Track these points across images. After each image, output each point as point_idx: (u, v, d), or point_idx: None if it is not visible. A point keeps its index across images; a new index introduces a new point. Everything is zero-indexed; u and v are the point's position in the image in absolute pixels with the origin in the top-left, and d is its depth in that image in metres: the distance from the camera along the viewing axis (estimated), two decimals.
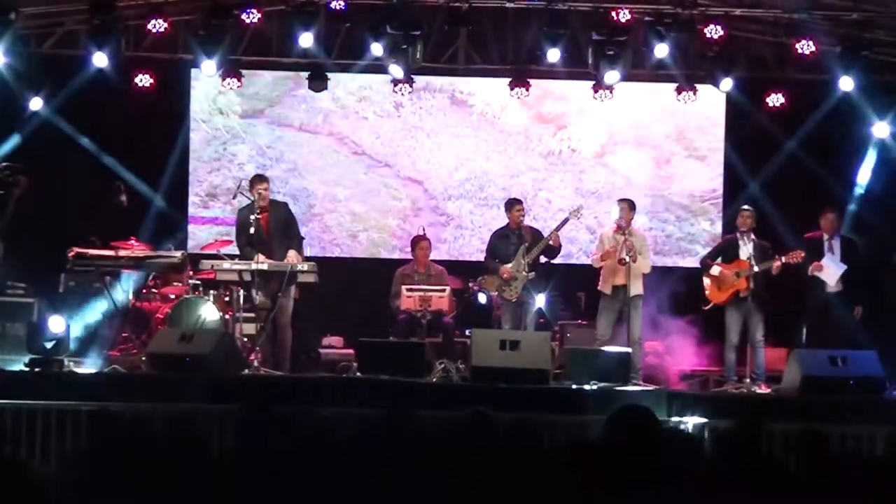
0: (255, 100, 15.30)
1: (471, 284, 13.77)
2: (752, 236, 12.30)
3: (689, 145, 15.36)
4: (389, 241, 15.21)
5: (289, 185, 15.08)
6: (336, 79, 14.89)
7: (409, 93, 14.72)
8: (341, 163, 15.34)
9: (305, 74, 14.68)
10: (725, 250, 12.53)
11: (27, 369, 11.19)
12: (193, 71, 14.81)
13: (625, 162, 15.33)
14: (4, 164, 11.28)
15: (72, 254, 12.51)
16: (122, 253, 12.68)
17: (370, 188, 15.35)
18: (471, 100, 15.37)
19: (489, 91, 15.27)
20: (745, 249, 12.25)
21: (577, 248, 14.95)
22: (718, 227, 15.15)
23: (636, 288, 12.18)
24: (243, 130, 15.32)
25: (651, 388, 12.06)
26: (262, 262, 11.63)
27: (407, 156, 15.36)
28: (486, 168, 15.37)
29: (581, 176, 15.33)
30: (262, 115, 15.33)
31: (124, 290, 12.85)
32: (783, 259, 12.10)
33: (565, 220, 12.85)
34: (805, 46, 13.42)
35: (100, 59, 13.34)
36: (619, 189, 14.84)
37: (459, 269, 14.17)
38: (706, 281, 12.47)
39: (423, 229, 14.15)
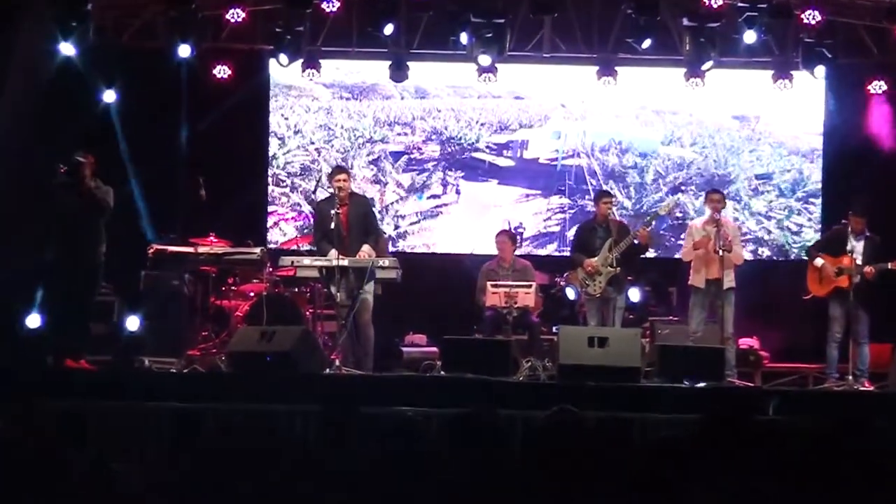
0: (363, 124, 15.49)
1: (557, 280, 13.75)
2: (866, 232, 12.09)
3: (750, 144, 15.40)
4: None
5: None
6: (445, 102, 15.28)
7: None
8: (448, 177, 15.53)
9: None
10: (831, 242, 12.35)
11: (108, 370, 11.37)
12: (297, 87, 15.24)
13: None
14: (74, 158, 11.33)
15: (151, 251, 12.68)
16: (201, 249, 12.81)
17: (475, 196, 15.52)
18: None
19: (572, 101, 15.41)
20: (853, 245, 12.03)
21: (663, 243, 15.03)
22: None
23: (729, 281, 12.07)
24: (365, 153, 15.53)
25: (747, 385, 11.99)
26: (341, 259, 11.56)
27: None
28: None
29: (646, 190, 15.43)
30: (375, 142, 15.55)
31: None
32: (889, 266, 11.89)
33: (655, 216, 12.81)
34: None
35: (183, 51, 13.51)
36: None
37: (546, 265, 14.15)
38: (809, 271, 12.36)
39: (509, 223, 14.14)
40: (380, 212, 14.96)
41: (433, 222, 15.43)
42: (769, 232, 15.32)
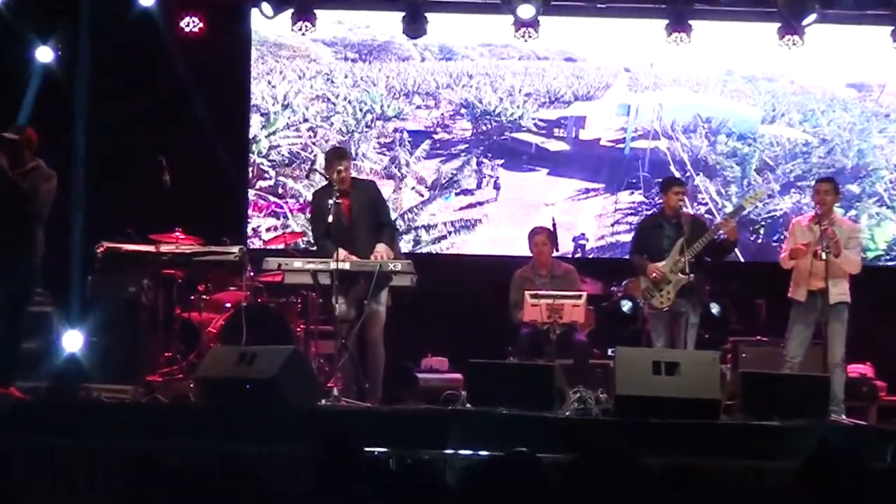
0: (373, 94, 15.41)
1: (614, 289, 13.69)
2: None
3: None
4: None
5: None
6: (477, 65, 15.20)
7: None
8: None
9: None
10: None
11: (44, 398, 11.35)
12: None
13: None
14: None
15: (101, 250, 12.66)
16: (164, 248, 12.80)
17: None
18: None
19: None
20: None
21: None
22: None
23: (839, 293, 11.96)
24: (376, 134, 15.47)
25: (858, 423, 11.91)
26: (343, 260, 11.47)
27: None
28: None
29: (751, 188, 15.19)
30: (389, 118, 15.47)
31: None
32: None
33: (740, 208, 12.73)
34: None
35: None
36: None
37: (598, 270, 14.08)
38: None
39: (553, 221, 14.02)
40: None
41: (467, 236, 15.28)
42: None
